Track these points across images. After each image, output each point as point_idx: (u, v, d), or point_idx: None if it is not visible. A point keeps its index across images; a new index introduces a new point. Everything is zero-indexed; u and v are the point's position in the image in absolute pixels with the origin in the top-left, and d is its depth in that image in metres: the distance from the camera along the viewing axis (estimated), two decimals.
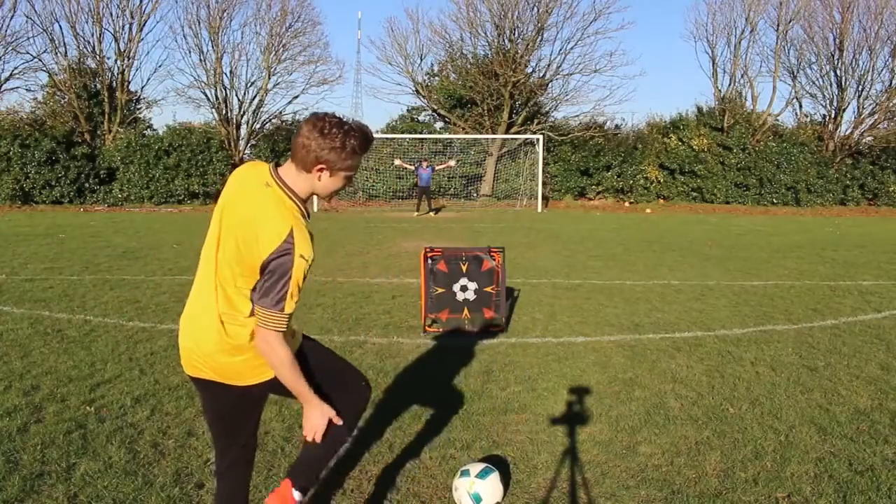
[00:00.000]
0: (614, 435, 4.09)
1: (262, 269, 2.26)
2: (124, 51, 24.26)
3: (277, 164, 2.48)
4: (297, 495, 2.55)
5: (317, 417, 2.48)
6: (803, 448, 3.92)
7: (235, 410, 2.55)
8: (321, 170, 2.35)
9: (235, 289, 2.33)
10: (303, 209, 2.38)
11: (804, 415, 4.42)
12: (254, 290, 2.31)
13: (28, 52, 24.42)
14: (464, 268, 6.50)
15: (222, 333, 2.35)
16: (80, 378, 4.93)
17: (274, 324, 2.26)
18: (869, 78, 26.29)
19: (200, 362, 2.42)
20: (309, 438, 2.51)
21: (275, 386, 2.47)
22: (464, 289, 6.48)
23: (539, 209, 23.31)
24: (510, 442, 4.00)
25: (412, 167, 21.80)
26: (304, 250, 2.24)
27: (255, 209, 2.31)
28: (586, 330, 6.60)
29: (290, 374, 2.34)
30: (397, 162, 22.27)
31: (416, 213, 20.61)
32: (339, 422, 2.50)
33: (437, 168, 22.24)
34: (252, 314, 2.33)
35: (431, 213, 20.85)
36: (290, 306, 2.26)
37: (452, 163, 22.66)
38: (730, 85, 27.49)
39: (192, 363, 2.45)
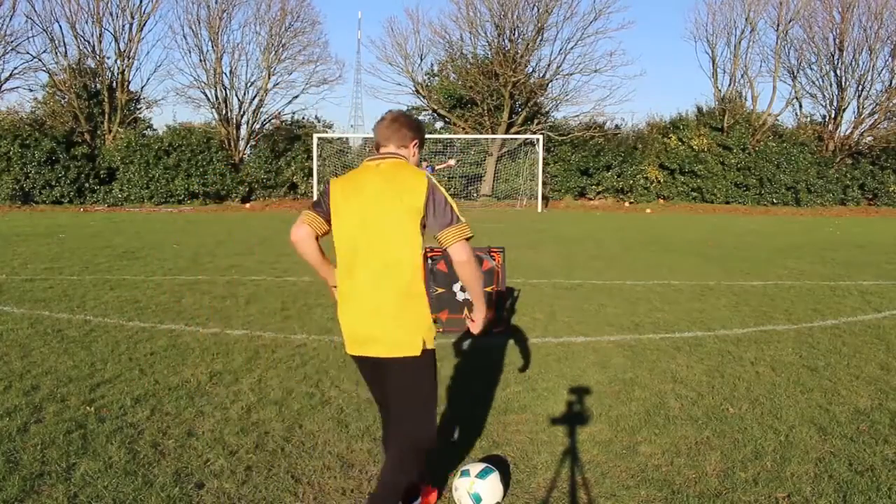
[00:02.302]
0: (614, 435, 4.09)
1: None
2: (124, 51, 24.27)
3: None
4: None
5: (483, 320, 2.96)
6: (803, 448, 3.91)
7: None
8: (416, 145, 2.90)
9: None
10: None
11: (804, 415, 4.42)
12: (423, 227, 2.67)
13: (28, 52, 24.49)
14: None
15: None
16: (80, 378, 4.93)
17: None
18: (869, 78, 26.34)
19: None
20: (475, 331, 2.96)
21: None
22: (464, 289, 6.48)
23: (539, 209, 23.31)
24: (510, 442, 4.00)
25: None
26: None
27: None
28: (586, 330, 6.59)
29: (478, 274, 2.80)
30: None
31: None
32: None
33: (437, 168, 22.23)
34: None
35: None
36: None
37: (452, 162, 22.66)
38: (730, 85, 27.53)
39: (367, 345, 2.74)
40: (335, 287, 2.92)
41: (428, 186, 2.63)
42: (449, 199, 2.66)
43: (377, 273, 2.67)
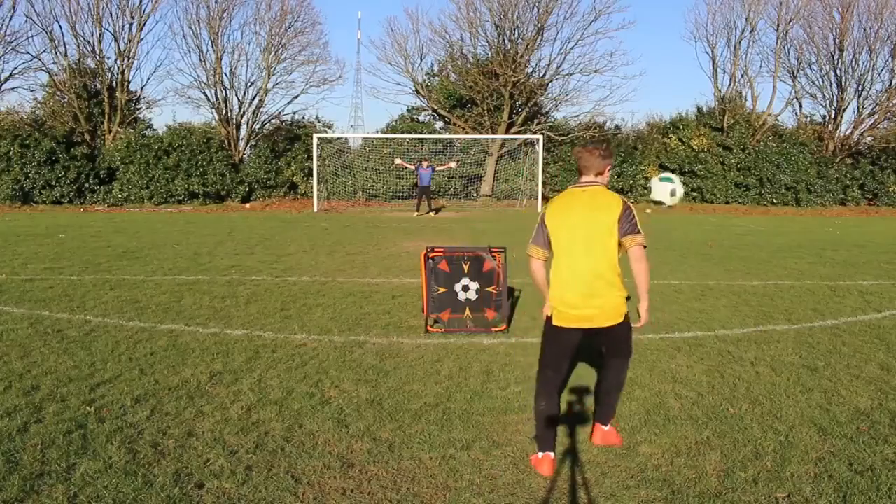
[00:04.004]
0: None
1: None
2: (124, 51, 24.25)
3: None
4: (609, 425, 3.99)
5: (647, 314, 3.88)
6: (803, 448, 3.92)
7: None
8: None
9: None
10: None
11: (804, 415, 4.42)
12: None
13: (28, 52, 24.45)
14: (465, 268, 6.50)
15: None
16: (80, 378, 4.93)
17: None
18: (869, 78, 26.30)
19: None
20: (641, 325, 3.87)
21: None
22: (465, 289, 6.48)
23: (539, 209, 23.31)
24: (510, 442, 4.00)
25: (412, 167, 21.79)
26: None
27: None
28: None
29: (648, 273, 3.78)
30: (398, 161, 22.26)
31: (416, 213, 20.59)
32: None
33: (437, 169, 22.22)
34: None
35: (432, 213, 20.83)
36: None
37: (453, 164, 22.66)
38: (730, 85, 27.49)
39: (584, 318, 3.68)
40: (548, 304, 3.80)
41: (622, 207, 3.65)
42: (636, 215, 3.68)
43: (585, 269, 3.64)
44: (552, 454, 3.69)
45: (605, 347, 3.92)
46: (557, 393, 3.89)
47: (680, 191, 4.32)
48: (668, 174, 4.38)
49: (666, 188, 4.29)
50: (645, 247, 3.71)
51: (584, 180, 3.75)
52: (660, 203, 4.34)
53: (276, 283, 8.86)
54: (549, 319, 3.76)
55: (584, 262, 3.64)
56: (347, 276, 9.39)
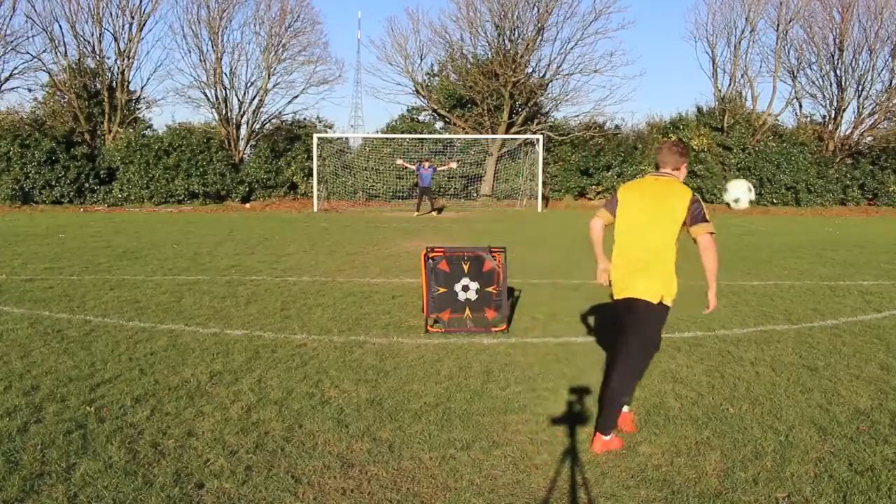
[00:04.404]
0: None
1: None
2: (124, 51, 24.25)
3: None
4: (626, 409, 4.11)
5: (715, 300, 4.07)
6: (803, 448, 3.92)
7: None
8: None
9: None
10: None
11: (804, 415, 4.42)
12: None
13: (28, 52, 24.41)
14: (465, 268, 6.50)
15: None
16: (80, 378, 4.93)
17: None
18: (869, 78, 26.28)
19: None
20: (710, 310, 4.09)
21: None
22: (465, 288, 6.48)
23: (539, 209, 23.31)
24: (510, 442, 4.00)
25: (413, 167, 21.78)
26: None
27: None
28: (586, 330, 6.59)
29: (716, 261, 3.94)
30: (399, 161, 22.28)
31: (416, 213, 20.58)
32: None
33: (438, 169, 22.22)
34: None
35: (434, 213, 20.81)
36: None
37: (454, 165, 22.66)
38: (730, 85, 27.48)
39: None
40: (603, 268, 4.18)
41: (692, 197, 3.89)
42: (704, 207, 3.88)
43: (644, 248, 3.93)
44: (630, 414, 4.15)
45: (627, 325, 4.03)
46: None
47: (743, 203, 4.42)
48: (744, 189, 4.42)
49: (739, 190, 4.39)
50: (713, 234, 3.87)
51: (662, 171, 4.07)
52: (729, 202, 4.46)
53: (276, 283, 8.86)
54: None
55: (638, 240, 3.95)
56: (347, 276, 9.39)
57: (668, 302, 3.97)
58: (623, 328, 4.08)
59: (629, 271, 3.98)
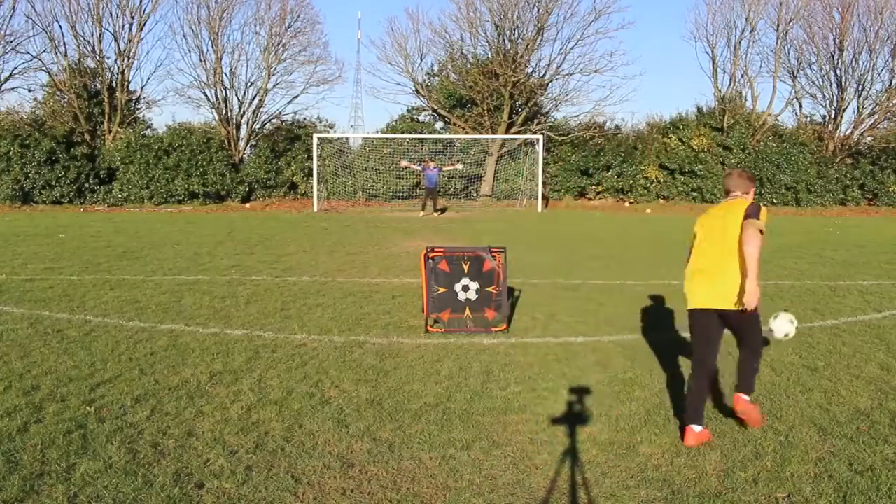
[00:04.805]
0: (614, 435, 4.09)
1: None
2: (124, 51, 24.25)
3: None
4: (747, 398, 4.10)
5: (756, 291, 3.91)
6: (803, 448, 3.92)
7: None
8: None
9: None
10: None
11: (804, 415, 4.42)
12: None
13: (28, 52, 24.40)
14: (465, 268, 6.50)
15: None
16: (80, 378, 4.93)
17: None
18: (869, 78, 26.26)
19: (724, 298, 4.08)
20: (750, 307, 3.93)
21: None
22: (465, 288, 6.48)
23: (539, 209, 23.31)
24: (510, 442, 4.00)
25: (419, 168, 21.78)
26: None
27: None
28: (586, 330, 6.59)
29: (757, 255, 3.93)
30: (404, 163, 22.33)
31: (422, 213, 20.56)
32: (760, 310, 4.07)
33: (444, 169, 22.24)
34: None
35: (436, 213, 20.81)
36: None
37: (460, 166, 22.74)
38: (730, 85, 27.47)
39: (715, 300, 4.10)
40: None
41: (751, 202, 4.14)
42: (763, 212, 4.07)
43: (722, 258, 4.10)
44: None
45: (733, 332, 4.25)
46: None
47: (792, 334, 4.46)
48: (787, 324, 4.45)
49: (785, 327, 4.43)
50: (762, 231, 3.97)
51: (732, 195, 4.34)
52: (781, 339, 4.56)
53: (276, 283, 8.86)
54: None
55: (710, 253, 4.20)
56: (347, 276, 9.39)
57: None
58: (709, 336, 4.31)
59: (712, 282, 4.24)
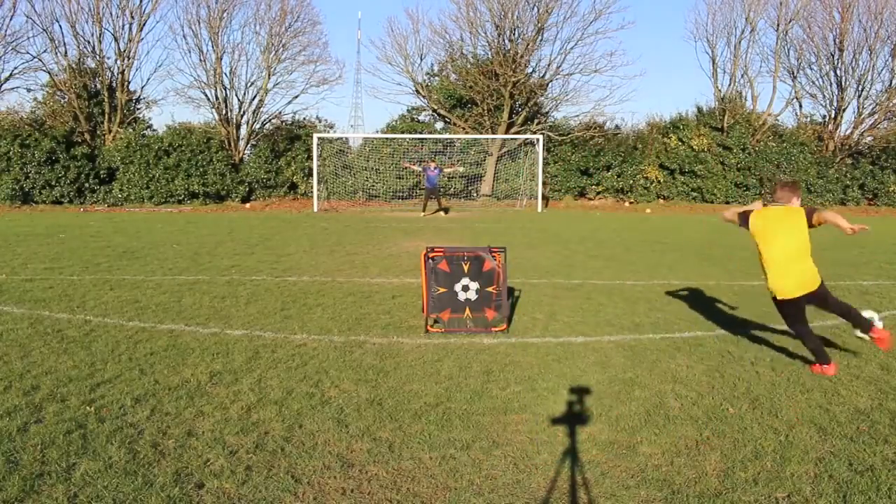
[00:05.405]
0: (614, 435, 4.09)
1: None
2: (124, 51, 24.25)
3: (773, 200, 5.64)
4: (877, 329, 5.51)
5: (849, 225, 5.22)
6: (803, 448, 3.92)
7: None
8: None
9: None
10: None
11: (804, 415, 4.42)
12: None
13: (28, 52, 24.46)
14: (465, 268, 6.50)
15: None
16: (80, 378, 4.93)
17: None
18: (869, 78, 26.26)
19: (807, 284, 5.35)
20: (856, 227, 5.28)
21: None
22: (465, 288, 6.48)
23: (539, 209, 23.31)
24: (510, 442, 4.00)
25: (419, 168, 21.79)
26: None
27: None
28: (586, 330, 6.59)
29: (836, 218, 5.21)
30: (405, 164, 22.38)
31: (423, 213, 20.57)
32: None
33: (445, 171, 22.27)
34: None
35: (441, 213, 20.81)
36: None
37: (461, 169, 22.77)
38: (730, 85, 27.46)
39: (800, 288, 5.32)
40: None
41: (805, 209, 5.34)
42: (819, 210, 5.24)
43: (792, 255, 5.34)
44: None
45: (816, 305, 5.50)
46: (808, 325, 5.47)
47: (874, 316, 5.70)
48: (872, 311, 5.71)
49: (870, 313, 5.68)
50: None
51: (781, 202, 5.47)
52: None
53: (276, 283, 8.86)
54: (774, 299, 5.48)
55: (781, 250, 5.35)
56: (347, 276, 9.39)
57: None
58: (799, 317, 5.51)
59: (788, 274, 5.40)
